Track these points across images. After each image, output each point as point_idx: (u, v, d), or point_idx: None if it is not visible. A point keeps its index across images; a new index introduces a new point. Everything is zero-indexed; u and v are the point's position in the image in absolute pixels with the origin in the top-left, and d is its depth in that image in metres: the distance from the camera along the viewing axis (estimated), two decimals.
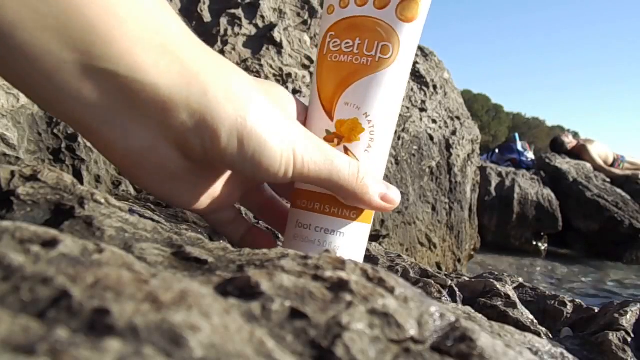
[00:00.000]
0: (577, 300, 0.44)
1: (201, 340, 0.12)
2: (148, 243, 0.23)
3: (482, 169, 3.34)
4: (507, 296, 0.40)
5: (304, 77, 1.00)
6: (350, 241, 0.34)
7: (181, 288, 0.14)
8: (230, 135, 0.27)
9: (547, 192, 3.51)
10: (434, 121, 1.43)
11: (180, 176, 0.30)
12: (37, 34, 0.23)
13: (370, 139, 0.33)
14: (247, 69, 0.93)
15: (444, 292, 0.40)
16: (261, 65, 0.95)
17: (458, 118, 1.57)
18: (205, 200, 0.32)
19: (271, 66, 0.96)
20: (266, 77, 0.95)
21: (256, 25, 0.99)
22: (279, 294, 0.16)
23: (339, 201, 0.33)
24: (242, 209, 0.49)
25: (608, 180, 3.77)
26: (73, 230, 0.24)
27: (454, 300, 0.40)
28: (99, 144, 0.29)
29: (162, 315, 0.12)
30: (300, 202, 0.35)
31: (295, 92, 0.98)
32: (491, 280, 0.42)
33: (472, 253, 1.74)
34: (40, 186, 0.27)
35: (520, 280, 0.49)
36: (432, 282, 0.40)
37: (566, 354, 0.25)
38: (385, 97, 0.33)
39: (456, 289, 0.41)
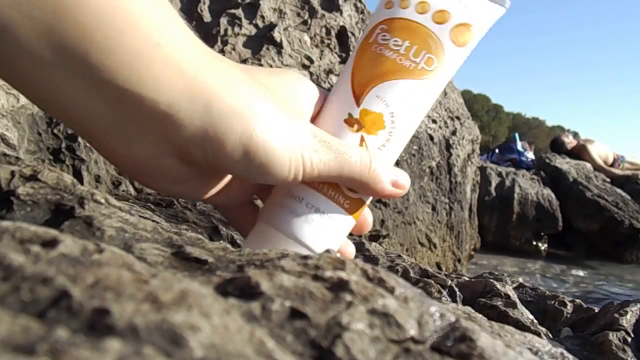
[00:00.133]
0: (577, 300, 0.44)
1: (201, 340, 0.12)
2: (148, 243, 0.23)
3: (482, 169, 3.34)
4: (507, 296, 0.40)
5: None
6: (334, 229, 0.33)
7: (181, 288, 0.14)
8: (236, 149, 0.27)
9: (547, 192, 3.51)
10: (434, 121, 1.43)
11: (188, 180, 0.30)
12: (31, 40, 0.22)
13: (387, 139, 0.33)
14: None
15: (444, 292, 0.40)
16: (261, 65, 0.95)
17: (458, 118, 1.57)
18: (217, 197, 0.33)
19: (271, 66, 0.96)
20: None
21: (256, 25, 0.99)
22: (279, 294, 0.16)
23: (340, 187, 0.33)
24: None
25: (608, 180, 3.77)
26: (73, 230, 0.24)
27: (454, 300, 0.40)
28: (102, 150, 0.28)
29: (162, 315, 0.12)
30: None
31: None
32: (491, 280, 0.42)
33: (472, 253, 1.74)
34: (40, 186, 0.27)
35: (520, 280, 0.49)
36: (432, 282, 0.40)
37: (566, 354, 0.25)
38: (415, 105, 0.34)
39: (456, 289, 0.41)
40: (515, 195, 3.41)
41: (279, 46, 0.99)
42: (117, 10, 0.23)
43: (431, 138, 1.40)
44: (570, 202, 3.50)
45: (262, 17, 0.99)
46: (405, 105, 0.33)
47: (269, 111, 0.28)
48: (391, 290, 0.18)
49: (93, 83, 0.24)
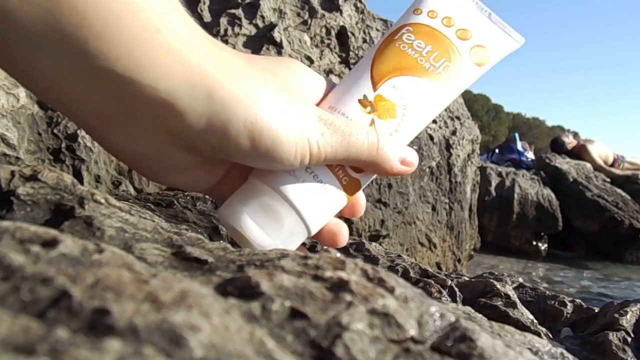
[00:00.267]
0: (577, 300, 0.44)
1: (201, 340, 0.12)
2: (148, 243, 0.23)
3: (482, 169, 3.34)
4: (507, 296, 0.40)
5: None
6: (327, 200, 0.33)
7: (181, 288, 0.14)
8: (241, 136, 0.26)
9: (547, 192, 3.51)
10: (434, 121, 1.43)
11: (192, 170, 0.30)
12: (29, 26, 0.22)
13: (396, 129, 0.34)
14: None
15: (444, 292, 0.40)
16: None
17: (458, 118, 1.57)
18: (221, 188, 0.32)
19: None
20: None
21: (256, 25, 0.99)
22: (279, 294, 0.16)
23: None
24: None
25: (608, 180, 3.77)
26: (73, 230, 0.24)
27: (454, 300, 0.40)
28: (104, 143, 0.28)
29: (162, 315, 0.12)
30: None
31: None
32: (491, 280, 0.42)
33: (472, 253, 1.74)
34: (40, 186, 0.27)
35: (520, 280, 0.49)
36: (432, 282, 0.40)
37: (566, 354, 0.25)
38: (427, 105, 0.35)
39: (456, 289, 0.41)
40: (515, 195, 3.41)
41: (279, 46, 0.99)
42: None
43: (431, 138, 1.40)
44: (570, 202, 3.50)
45: (262, 17, 0.99)
46: (418, 102, 0.34)
47: (273, 96, 0.28)
48: (391, 290, 0.18)
49: (92, 71, 0.23)
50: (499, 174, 3.55)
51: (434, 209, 1.40)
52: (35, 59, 0.23)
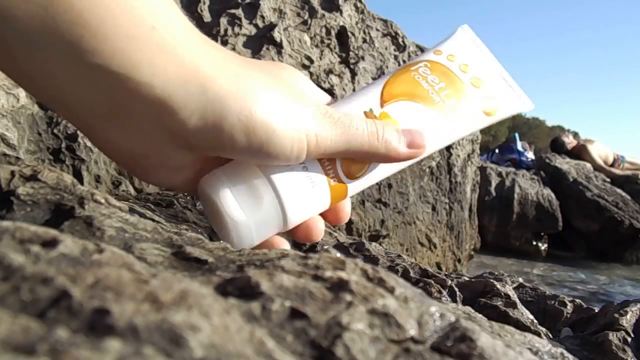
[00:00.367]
0: (577, 300, 0.44)
1: (201, 340, 0.12)
2: (148, 243, 0.23)
3: (482, 169, 3.34)
4: (507, 296, 0.40)
5: None
6: (310, 194, 0.32)
7: (181, 288, 0.14)
8: (236, 131, 0.26)
9: (547, 192, 3.51)
10: None
11: (188, 169, 0.29)
12: (24, 23, 0.22)
13: None
14: None
15: (444, 292, 0.40)
16: None
17: None
18: None
19: None
20: None
21: (256, 25, 0.99)
22: (279, 294, 0.16)
23: (336, 164, 0.32)
24: None
25: (608, 180, 3.77)
26: (73, 230, 0.24)
27: (454, 300, 0.40)
28: (100, 143, 0.28)
29: (162, 315, 0.12)
30: None
31: None
32: (491, 280, 0.42)
33: (472, 253, 1.74)
34: (40, 186, 0.27)
35: (520, 280, 0.49)
36: (432, 282, 0.40)
37: (566, 354, 0.25)
38: (430, 135, 0.35)
39: (456, 289, 0.41)
40: (515, 195, 3.41)
41: (279, 46, 0.99)
42: None
43: None
44: (570, 202, 3.50)
45: (262, 17, 0.99)
46: (422, 129, 0.35)
47: (267, 90, 0.28)
48: (391, 290, 0.18)
49: (87, 68, 0.24)
50: (499, 174, 3.55)
51: (434, 209, 1.40)
52: (32, 56, 0.23)
